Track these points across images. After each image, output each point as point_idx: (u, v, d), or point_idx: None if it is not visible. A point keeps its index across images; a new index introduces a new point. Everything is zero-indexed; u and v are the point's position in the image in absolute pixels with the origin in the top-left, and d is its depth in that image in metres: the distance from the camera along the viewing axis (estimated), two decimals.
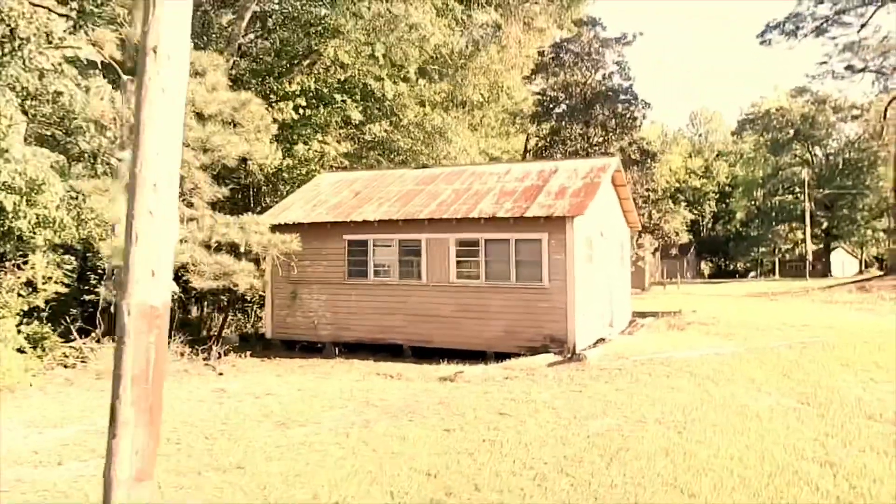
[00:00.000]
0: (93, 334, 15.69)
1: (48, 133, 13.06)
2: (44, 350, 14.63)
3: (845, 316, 19.82)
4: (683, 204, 78.29)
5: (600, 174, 16.11)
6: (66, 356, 14.83)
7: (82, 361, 14.85)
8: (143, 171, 3.13)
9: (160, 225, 3.19)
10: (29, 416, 9.85)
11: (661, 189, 74.04)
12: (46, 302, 14.68)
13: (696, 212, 78.93)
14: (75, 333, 15.18)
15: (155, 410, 3.19)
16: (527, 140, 39.04)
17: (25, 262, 14.47)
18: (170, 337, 17.37)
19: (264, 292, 17.89)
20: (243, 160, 22.67)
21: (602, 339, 15.94)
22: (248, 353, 16.66)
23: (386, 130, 22.83)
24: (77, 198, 12.37)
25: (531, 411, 8.67)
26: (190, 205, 13.95)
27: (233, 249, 16.11)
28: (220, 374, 14.54)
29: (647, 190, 34.65)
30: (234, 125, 13.73)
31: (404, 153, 22.96)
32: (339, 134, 22.92)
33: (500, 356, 14.40)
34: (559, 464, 6.20)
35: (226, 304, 21.33)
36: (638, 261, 33.33)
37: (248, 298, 22.54)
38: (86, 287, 17.11)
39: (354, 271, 16.68)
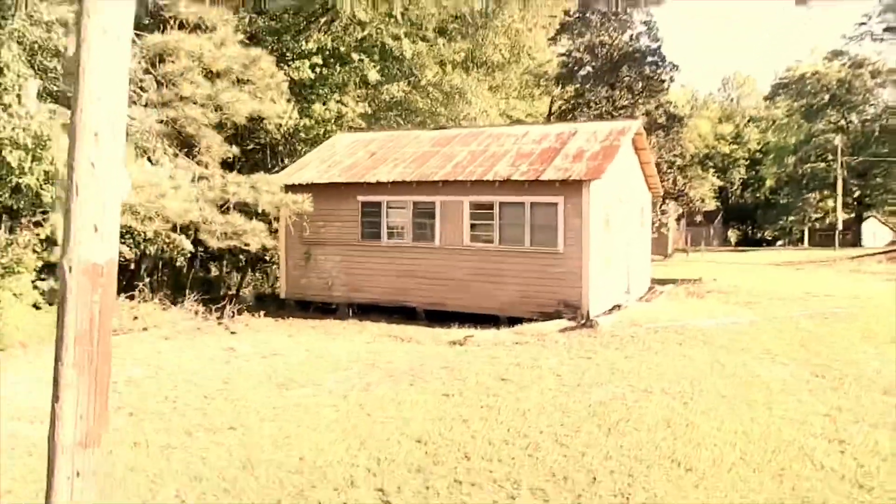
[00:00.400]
0: None
1: (55, 88, 12.93)
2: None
3: (872, 286, 19.24)
4: (712, 170, 76.86)
5: (620, 137, 15.62)
6: None
7: None
8: (83, 119, 2.92)
9: (103, 177, 2.98)
10: (38, 373, 9.91)
11: (689, 155, 72.63)
12: None
13: (724, 179, 77.41)
14: None
15: (101, 373, 3.03)
16: (551, 103, 38.25)
17: (46, 220, 14.52)
18: (184, 295, 17.52)
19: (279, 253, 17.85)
20: (259, 119, 22.57)
21: (618, 306, 15.64)
22: (263, 312, 16.66)
23: (404, 91, 22.40)
24: None
25: (535, 378, 8.49)
26: (200, 163, 13.80)
27: (245, 209, 16.05)
28: (233, 332, 14.56)
29: (674, 155, 33.85)
30: (244, 82, 13.45)
31: (423, 114, 22.55)
32: (357, 95, 22.55)
33: (514, 321, 14.21)
34: (555, 433, 6.02)
35: (244, 263, 21.37)
36: (661, 227, 32.71)
37: (268, 259, 22.59)
38: None
39: (368, 233, 16.50)
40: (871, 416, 6.67)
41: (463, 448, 5.60)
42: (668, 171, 32.27)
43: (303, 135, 22.79)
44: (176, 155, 12.96)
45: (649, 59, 33.16)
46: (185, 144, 14.40)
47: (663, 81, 32.94)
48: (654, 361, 9.43)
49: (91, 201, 2.92)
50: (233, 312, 16.35)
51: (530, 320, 14.09)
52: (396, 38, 21.45)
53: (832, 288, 18.19)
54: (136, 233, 14.91)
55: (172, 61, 11.74)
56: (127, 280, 17.85)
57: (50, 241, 14.59)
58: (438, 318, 15.42)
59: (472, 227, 15.30)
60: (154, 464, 5.27)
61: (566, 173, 14.21)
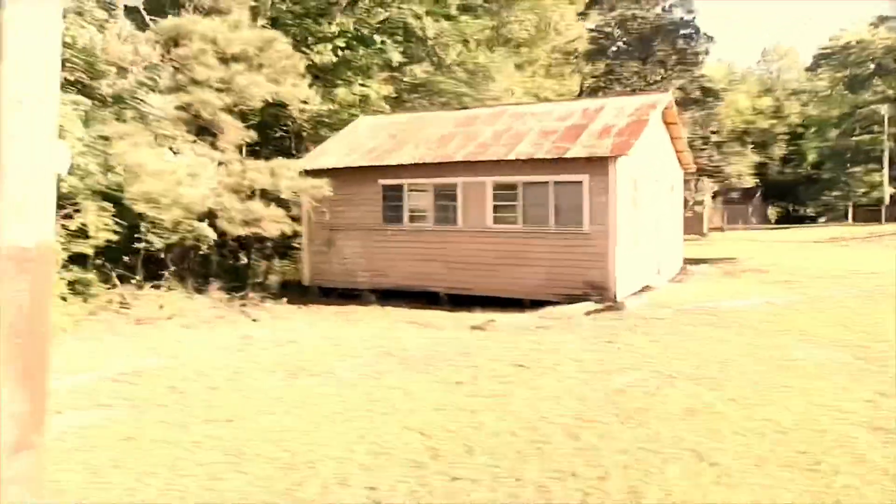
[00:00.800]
0: (133, 281, 15.81)
1: (72, 79, 12.82)
2: (87, 297, 14.79)
3: None
4: (751, 146, 74.72)
5: (649, 111, 14.99)
6: (110, 302, 14.96)
7: (125, 307, 14.97)
8: (5, 85, 2.59)
9: (31, 151, 2.67)
10: (54, 362, 9.85)
11: (727, 130, 70.74)
12: (98, 250, 14.76)
13: (764, 154, 75.19)
14: (116, 280, 15.30)
15: (36, 369, 2.74)
16: (582, 81, 37.36)
17: (77, 211, 14.50)
18: (208, 283, 17.45)
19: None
20: (283, 105, 22.36)
21: (648, 287, 15.12)
22: (286, 299, 16.50)
23: (427, 72, 21.93)
24: (104, 144, 12.16)
25: (553, 364, 8.08)
26: (217, 149, 13.62)
27: (264, 195, 15.86)
28: (255, 320, 14.44)
29: (710, 131, 32.77)
30: (261, 66, 13.19)
31: (447, 95, 22.08)
32: (381, 77, 22.17)
33: (540, 304, 13.80)
34: (568, 424, 5.62)
35: (270, 250, 21.25)
36: (695, 205, 31.74)
37: (296, 245, 22.46)
38: (136, 235, 17.17)
39: (390, 217, 16.19)
40: None
41: (467, 440, 5.24)
42: (703, 147, 31.25)
43: (328, 120, 22.51)
44: (194, 141, 12.78)
45: (683, 31, 32.06)
46: (204, 130, 14.23)
47: (697, 54, 31.84)
48: (682, 345, 8.93)
49: (18, 178, 2.61)
50: (256, 300, 16.26)
51: (556, 303, 13.65)
52: (418, 17, 20.99)
53: (878, 265, 17.31)
54: (157, 221, 14.81)
55: (186, 45, 11.53)
56: (155, 269, 17.86)
57: (84, 232, 14.62)
58: (462, 302, 15.06)
59: (496, 208, 14.88)
60: (141, 459, 5.03)
61: (591, 150, 13.67)
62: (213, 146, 13.65)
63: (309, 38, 21.52)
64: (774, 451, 4.97)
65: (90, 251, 14.52)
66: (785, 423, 5.61)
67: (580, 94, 35.97)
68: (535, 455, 4.89)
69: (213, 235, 16.34)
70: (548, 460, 4.77)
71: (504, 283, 14.76)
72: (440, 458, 4.84)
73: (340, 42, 21.28)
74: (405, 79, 22.04)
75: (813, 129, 66.86)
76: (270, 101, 14.84)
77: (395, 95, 21.87)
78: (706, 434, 5.34)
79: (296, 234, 17.48)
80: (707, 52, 32.43)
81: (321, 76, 22.24)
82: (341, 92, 21.46)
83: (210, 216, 14.54)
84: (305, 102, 21.94)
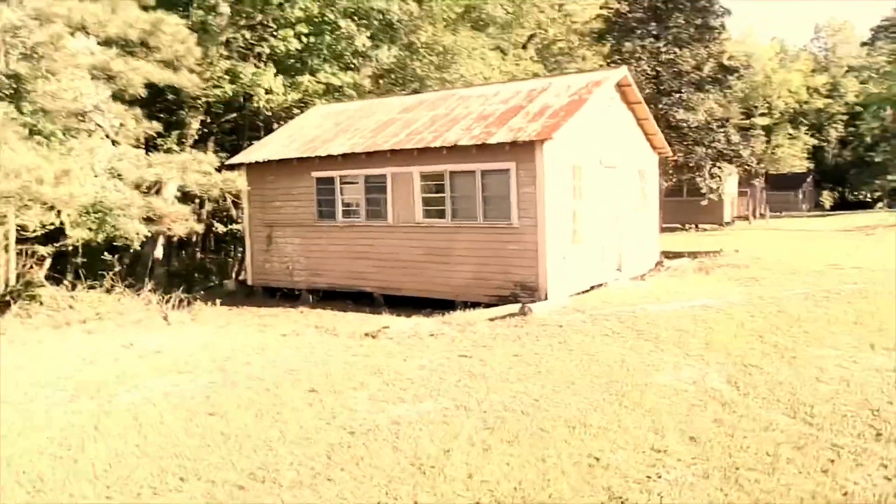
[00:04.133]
0: (65, 282, 15.40)
1: None
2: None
3: None
4: (804, 128, 70.50)
5: (593, 89, 13.39)
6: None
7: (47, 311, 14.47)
8: None
9: None
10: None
11: (778, 111, 66.66)
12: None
13: (819, 137, 70.88)
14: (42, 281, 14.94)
15: None
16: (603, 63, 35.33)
17: None
18: (142, 284, 16.81)
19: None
20: (247, 96, 21.55)
21: (599, 286, 13.59)
22: (220, 301, 15.63)
23: (396, 57, 20.69)
24: None
25: (360, 384, 6.86)
26: (116, 143, 12.81)
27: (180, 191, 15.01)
28: (167, 322, 13.67)
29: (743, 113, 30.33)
30: (153, 49, 12.27)
31: (418, 80, 20.81)
32: (348, 63, 21.08)
33: (473, 305, 12.53)
34: (254, 473, 4.43)
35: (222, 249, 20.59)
36: (710, 193, 29.43)
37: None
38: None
39: (324, 212, 15.10)
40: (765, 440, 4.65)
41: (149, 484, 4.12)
42: (720, 129, 28.98)
43: (297, 110, 21.61)
44: (70, 134, 11.96)
45: (700, 2, 29.73)
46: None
47: (713, 29, 29.46)
48: (539, 364, 7.55)
49: None
50: (190, 302, 15.49)
51: (488, 305, 12.33)
52: None
53: (874, 259, 15.22)
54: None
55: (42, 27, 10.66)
56: (97, 270, 17.38)
57: None
58: (397, 303, 13.90)
59: (425, 201, 13.61)
60: None
61: (517, 134, 12.23)
62: (112, 140, 12.81)
63: (272, 24, 20.61)
64: None
65: None
66: (530, 483, 4.26)
67: None
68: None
69: (144, 231, 15.48)
70: None
71: (433, 283, 13.50)
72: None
73: (303, 28, 20.26)
74: (372, 64, 20.86)
75: (870, 108, 62.38)
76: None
77: (361, 83, 20.73)
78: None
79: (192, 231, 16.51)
80: (724, 27, 29.92)
81: (286, 63, 21.35)
82: (303, 80, 20.47)
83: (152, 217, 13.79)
84: (270, 92, 21.16)
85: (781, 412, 5.46)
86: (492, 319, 10.79)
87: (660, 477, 4.32)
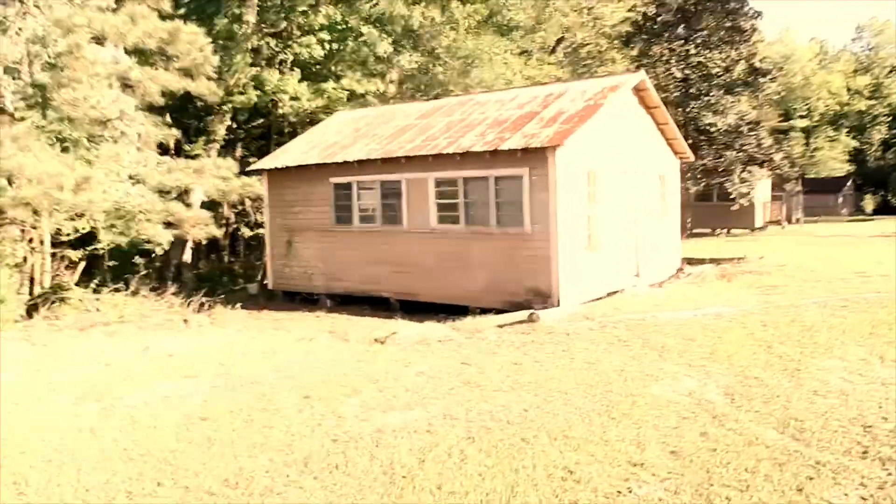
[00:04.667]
0: (93, 284, 15.83)
1: None
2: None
3: None
4: (845, 130, 68.80)
5: (608, 94, 13.27)
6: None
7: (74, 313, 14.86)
8: None
9: None
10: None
11: (818, 113, 65.11)
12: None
13: (861, 139, 69.07)
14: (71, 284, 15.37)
15: None
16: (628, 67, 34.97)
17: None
18: (184, 287, 17.19)
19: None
20: (273, 102, 21.84)
21: (616, 292, 13.44)
22: (240, 305, 15.86)
23: (417, 62, 20.78)
24: None
25: (354, 391, 6.91)
26: (140, 150, 13.09)
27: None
28: (188, 327, 13.92)
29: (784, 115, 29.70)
30: (171, 58, 12.54)
31: (440, 86, 20.86)
32: (371, 70, 21.24)
33: (487, 311, 12.51)
34: (229, 479, 4.49)
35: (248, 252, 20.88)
36: (740, 198, 28.81)
37: None
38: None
39: (341, 217, 15.24)
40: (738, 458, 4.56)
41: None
42: (751, 132, 28.41)
43: (323, 116, 21.85)
44: (95, 142, 12.27)
45: (730, 4, 29.24)
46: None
47: (744, 31, 28.92)
48: (535, 372, 7.50)
49: None
50: (212, 306, 15.78)
51: (502, 311, 12.30)
52: (408, 2, 19.86)
53: None
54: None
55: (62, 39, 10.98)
56: (122, 273, 17.80)
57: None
58: (414, 309, 13.95)
59: (440, 207, 13.63)
60: None
61: (529, 140, 12.20)
62: (138, 146, 13.10)
63: (295, 31, 20.88)
64: None
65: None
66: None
67: None
68: None
69: (168, 237, 15.76)
70: None
71: (448, 289, 13.51)
72: None
73: (326, 35, 20.49)
74: (395, 70, 20.98)
75: None
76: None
77: (384, 89, 20.87)
78: None
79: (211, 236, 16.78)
80: (755, 29, 29.32)
81: (309, 70, 21.60)
82: (328, 86, 20.68)
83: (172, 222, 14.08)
84: (296, 99, 21.44)
85: (772, 426, 5.33)
86: (501, 326, 10.75)
87: (630, 492, 4.25)
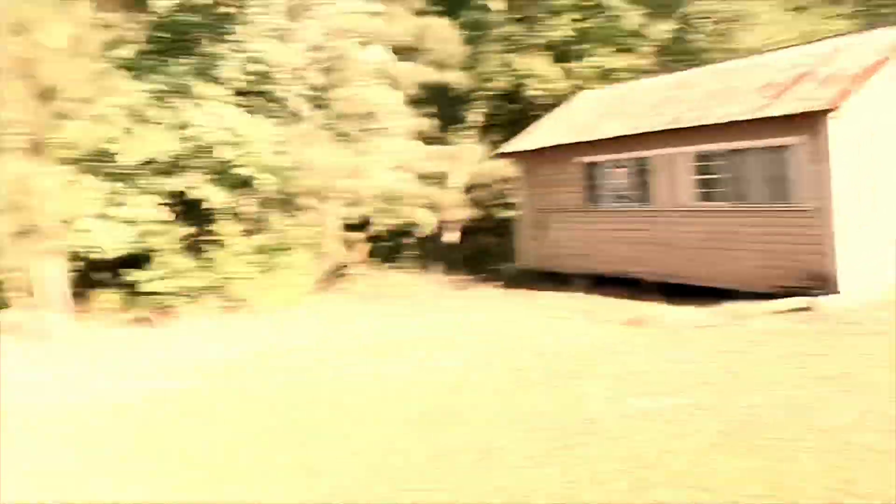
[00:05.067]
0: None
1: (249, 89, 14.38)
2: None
3: None
4: None
5: None
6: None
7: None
8: None
9: None
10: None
11: None
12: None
13: None
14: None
15: None
16: None
17: None
18: (450, 265, 18.50)
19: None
20: (523, 86, 22.20)
21: None
22: (501, 283, 16.48)
23: (671, 31, 19.61)
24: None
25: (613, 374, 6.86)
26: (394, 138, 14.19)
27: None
28: (448, 302, 14.94)
29: None
30: (424, 52, 13.42)
31: (698, 54, 19.43)
32: (623, 45, 20.59)
33: (761, 296, 11.48)
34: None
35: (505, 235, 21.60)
36: None
37: None
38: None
39: (592, 197, 15.05)
40: None
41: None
42: None
43: (571, 96, 21.80)
44: (365, 134, 13.53)
45: None
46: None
47: None
48: (818, 365, 6.74)
49: None
50: (470, 283, 16.79)
51: (768, 296, 11.28)
52: None
53: None
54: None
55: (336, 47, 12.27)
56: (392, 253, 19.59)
57: None
58: (673, 291, 13.30)
59: (698, 183, 12.83)
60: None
61: (800, 105, 10.94)
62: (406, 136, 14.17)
63: (540, 15, 20.98)
64: None
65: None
66: None
67: None
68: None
69: (430, 220, 16.86)
70: None
71: (711, 271, 12.60)
72: None
73: (575, 14, 20.32)
74: (647, 42, 20.09)
75: None
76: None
77: (637, 63, 20.10)
78: None
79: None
80: None
81: (558, 51, 21.54)
82: (579, 66, 20.51)
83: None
84: (547, 81, 21.58)
85: None
86: (770, 313, 9.86)
87: None
